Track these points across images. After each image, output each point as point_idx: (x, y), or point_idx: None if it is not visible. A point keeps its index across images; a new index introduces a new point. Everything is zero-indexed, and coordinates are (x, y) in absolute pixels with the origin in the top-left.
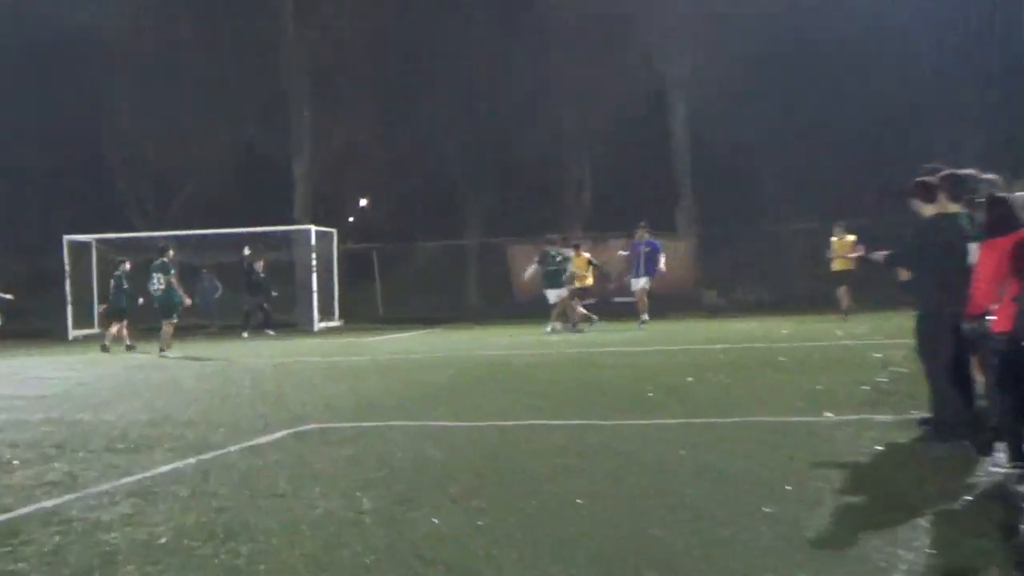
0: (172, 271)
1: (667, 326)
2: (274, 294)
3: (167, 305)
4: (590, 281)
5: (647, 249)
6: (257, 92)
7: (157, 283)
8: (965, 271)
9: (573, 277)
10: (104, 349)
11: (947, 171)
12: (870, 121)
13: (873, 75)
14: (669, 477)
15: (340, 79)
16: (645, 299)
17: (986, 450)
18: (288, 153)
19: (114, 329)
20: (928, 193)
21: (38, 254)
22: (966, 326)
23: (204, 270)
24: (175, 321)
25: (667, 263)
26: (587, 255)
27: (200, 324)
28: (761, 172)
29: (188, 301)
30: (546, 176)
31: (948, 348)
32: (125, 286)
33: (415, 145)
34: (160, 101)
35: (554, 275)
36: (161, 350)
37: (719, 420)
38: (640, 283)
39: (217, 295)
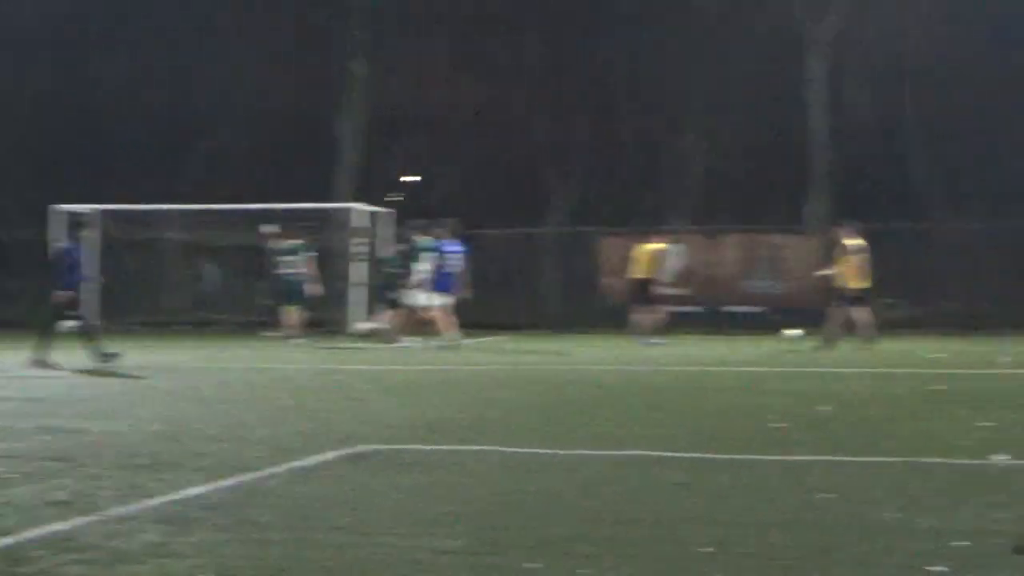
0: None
1: (791, 345)
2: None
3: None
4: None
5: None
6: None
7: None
8: None
9: None
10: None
11: None
12: None
13: None
14: (812, 526)
15: (400, 16)
16: (445, 318)
17: None
18: (330, 111)
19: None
20: None
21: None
22: None
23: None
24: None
25: (792, 265)
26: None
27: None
28: (915, 158)
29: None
30: (648, 151)
31: None
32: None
33: (487, 107)
34: (167, 39)
35: None
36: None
37: (864, 459)
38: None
39: (217, 285)
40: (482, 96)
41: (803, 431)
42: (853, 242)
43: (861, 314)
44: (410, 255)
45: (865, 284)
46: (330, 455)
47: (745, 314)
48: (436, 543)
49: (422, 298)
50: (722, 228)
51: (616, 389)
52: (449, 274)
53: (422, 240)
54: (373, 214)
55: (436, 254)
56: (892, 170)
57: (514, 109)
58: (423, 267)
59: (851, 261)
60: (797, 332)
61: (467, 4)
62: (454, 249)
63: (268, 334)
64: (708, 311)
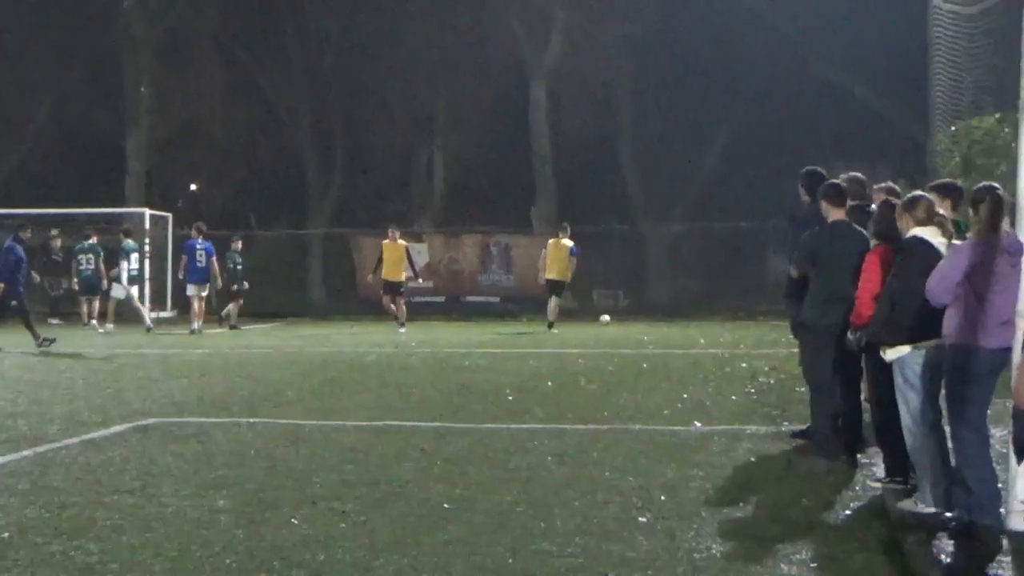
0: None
1: (520, 329)
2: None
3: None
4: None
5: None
6: (87, 58)
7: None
8: (855, 279)
9: None
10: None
11: (848, 176)
12: (753, 118)
13: (759, 70)
14: (538, 485)
15: (180, 47)
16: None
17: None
18: (120, 128)
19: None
20: (839, 197)
21: None
22: (851, 336)
23: None
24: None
25: (521, 262)
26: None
27: None
28: (628, 169)
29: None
30: (398, 163)
31: (831, 359)
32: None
33: (257, 125)
34: None
35: None
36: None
37: (584, 427)
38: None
39: None
40: (253, 114)
41: (533, 403)
42: (556, 241)
43: (551, 301)
44: (120, 253)
45: (553, 276)
46: (120, 428)
47: (481, 303)
48: (214, 503)
49: (120, 291)
50: (461, 229)
51: (372, 368)
52: (202, 268)
53: (127, 242)
54: (154, 218)
55: (137, 253)
56: (607, 180)
57: (281, 125)
58: (127, 264)
59: (545, 257)
60: (607, 318)
61: (237, 31)
62: (203, 247)
63: (55, 321)
64: (450, 301)
